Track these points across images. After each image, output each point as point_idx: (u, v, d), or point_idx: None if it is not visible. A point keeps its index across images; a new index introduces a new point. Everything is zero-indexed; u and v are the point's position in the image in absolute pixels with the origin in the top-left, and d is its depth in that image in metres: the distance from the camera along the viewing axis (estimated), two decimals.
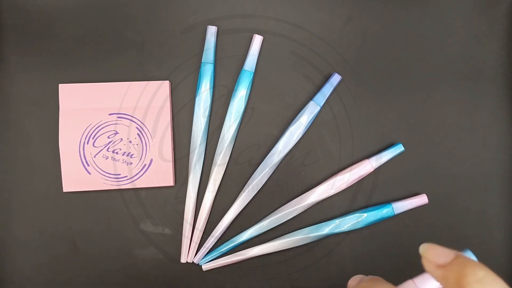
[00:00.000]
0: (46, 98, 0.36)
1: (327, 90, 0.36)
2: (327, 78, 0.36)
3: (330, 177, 0.36)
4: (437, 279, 0.22)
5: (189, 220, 0.36)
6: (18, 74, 0.36)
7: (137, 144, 0.35)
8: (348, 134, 0.37)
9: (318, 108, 0.36)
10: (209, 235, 0.36)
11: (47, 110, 0.36)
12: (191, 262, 0.36)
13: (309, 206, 0.36)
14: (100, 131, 0.35)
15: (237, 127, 0.36)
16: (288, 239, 0.35)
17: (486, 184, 0.38)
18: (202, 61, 0.36)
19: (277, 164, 0.36)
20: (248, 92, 0.36)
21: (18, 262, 0.36)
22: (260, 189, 0.36)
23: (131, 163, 0.35)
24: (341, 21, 0.37)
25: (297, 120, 0.36)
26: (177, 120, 0.36)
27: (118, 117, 0.35)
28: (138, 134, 0.35)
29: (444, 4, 0.38)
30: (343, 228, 0.35)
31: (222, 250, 0.36)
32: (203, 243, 0.36)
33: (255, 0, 0.37)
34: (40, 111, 0.36)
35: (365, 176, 0.36)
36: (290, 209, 0.35)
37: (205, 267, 0.36)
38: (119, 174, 0.35)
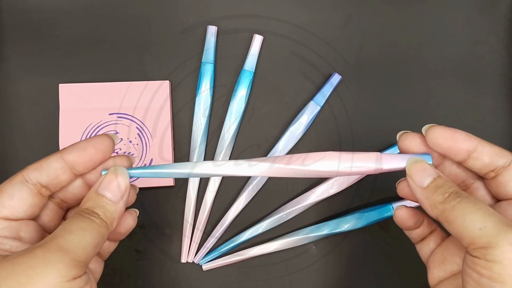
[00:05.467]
0: (46, 98, 0.36)
1: (327, 90, 0.36)
2: (327, 78, 0.36)
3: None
4: (420, 199, 0.23)
5: (189, 220, 0.36)
6: (18, 74, 0.36)
7: (137, 144, 0.35)
8: (348, 134, 0.37)
9: (318, 108, 0.36)
10: (209, 235, 0.36)
11: (47, 110, 0.36)
12: (191, 262, 0.36)
13: (309, 206, 0.36)
14: (100, 131, 0.35)
15: (237, 127, 0.36)
16: (288, 239, 0.35)
17: None
18: (202, 61, 0.36)
19: None
20: (248, 92, 0.36)
21: None
22: (260, 189, 0.36)
23: None
24: (341, 21, 0.37)
25: (297, 120, 0.36)
26: (177, 120, 0.36)
27: (118, 117, 0.35)
28: (138, 134, 0.35)
29: (444, 4, 0.38)
30: (343, 228, 0.35)
31: (222, 250, 0.36)
32: (203, 243, 0.36)
33: (255, 0, 0.37)
34: (40, 111, 0.36)
35: (365, 176, 0.36)
36: (290, 209, 0.35)
37: (205, 267, 0.36)
38: None
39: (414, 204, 0.32)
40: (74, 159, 0.23)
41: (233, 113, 0.36)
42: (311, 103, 0.36)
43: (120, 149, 0.35)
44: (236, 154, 0.37)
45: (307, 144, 0.37)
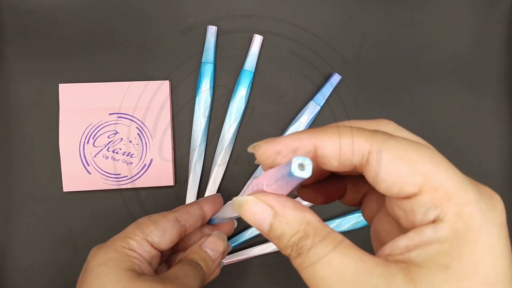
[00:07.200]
0: (46, 98, 0.36)
1: (327, 90, 0.36)
2: (327, 78, 0.36)
3: None
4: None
5: None
6: (18, 74, 0.36)
7: (137, 144, 0.35)
8: None
9: (318, 108, 0.36)
10: None
11: (47, 110, 0.36)
12: None
13: (309, 206, 0.36)
14: (100, 131, 0.35)
15: (237, 127, 0.36)
16: None
17: (486, 184, 0.38)
18: (202, 61, 0.36)
19: None
20: (248, 92, 0.36)
21: (18, 262, 0.36)
22: None
23: (131, 163, 0.35)
24: (341, 21, 0.37)
25: (297, 120, 0.36)
26: (177, 120, 0.36)
27: (118, 117, 0.35)
28: (138, 134, 0.35)
29: (444, 4, 0.38)
30: (343, 228, 0.35)
31: None
32: None
33: (255, 0, 0.37)
34: (40, 111, 0.36)
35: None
36: None
37: None
38: (119, 174, 0.35)
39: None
40: (207, 209, 0.29)
41: (233, 113, 0.36)
42: (311, 103, 0.36)
43: (120, 149, 0.35)
44: (236, 154, 0.37)
45: None
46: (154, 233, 0.25)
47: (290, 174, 0.14)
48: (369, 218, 0.22)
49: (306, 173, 0.14)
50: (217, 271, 0.31)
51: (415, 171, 0.15)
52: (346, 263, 0.15)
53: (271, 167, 0.17)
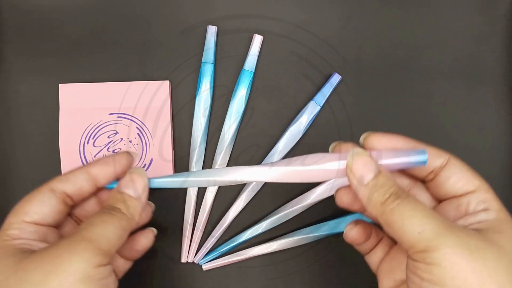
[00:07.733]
0: (46, 98, 0.36)
1: (327, 90, 0.36)
2: (327, 78, 0.36)
3: None
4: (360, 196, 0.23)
5: (189, 220, 0.36)
6: (18, 74, 0.36)
7: (137, 144, 0.35)
8: (348, 134, 0.37)
9: (318, 108, 0.36)
10: (209, 235, 0.36)
11: (47, 110, 0.36)
12: (192, 262, 0.36)
13: (309, 206, 0.36)
14: (100, 131, 0.35)
15: (237, 127, 0.36)
16: (288, 239, 0.35)
17: None
18: (202, 61, 0.36)
19: None
20: (248, 92, 0.36)
21: None
22: (260, 189, 0.36)
23: None
24: (341, 21, 0.37)
25: (297, 120, 0.36)
26: (177, 120, 0.37)
27: (118, 117, 0.35)
28: (138, 134, 0.35)
29: (444, 4, 0.38)
30: (343, 228, 0.35)
31: (222, 250, 0.36)
32: (203, 243, 0.36)
33: (255, 0, 0.37)
34: (40, 111, 0.36)
35: None
36: (290, 209, 0.35)
37: (205, 267, 0.36)
38: None
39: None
40: (97, 172, 0.26)
41: (233, 113, 0.36)
42: (311, 103, 0.36)
43: (120, 149, 0.35)
44: (236, 154, 0.37)
45: (307, 144, 0.37)
46: (31, 212, 0.23)
47: (418, 159, 0.23)
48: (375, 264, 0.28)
49: (426, 162, 0.23)
50: (148, 213, 0.28)
51: (475, 176, 0.23)
52: (431, 210, 0.20)
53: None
